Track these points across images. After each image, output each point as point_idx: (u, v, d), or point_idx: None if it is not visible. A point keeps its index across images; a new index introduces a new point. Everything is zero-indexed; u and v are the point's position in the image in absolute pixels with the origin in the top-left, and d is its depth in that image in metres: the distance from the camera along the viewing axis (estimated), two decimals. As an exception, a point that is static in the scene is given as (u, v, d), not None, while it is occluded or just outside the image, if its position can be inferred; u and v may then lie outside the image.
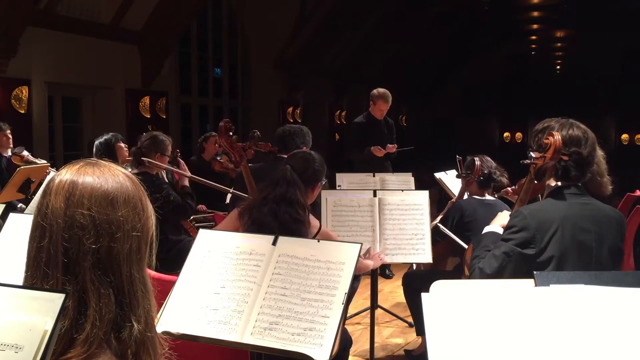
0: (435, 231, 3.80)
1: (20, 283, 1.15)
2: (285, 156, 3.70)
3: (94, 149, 4.90)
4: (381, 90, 5.96)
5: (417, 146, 6.20)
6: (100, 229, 1.13)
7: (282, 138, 3.84)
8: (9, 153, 5.50)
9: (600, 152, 2.38)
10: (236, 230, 2.57)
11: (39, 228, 1.14)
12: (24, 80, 6.88)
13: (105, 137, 4.91)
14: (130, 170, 3.61)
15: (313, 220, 2.71)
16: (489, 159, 4.01)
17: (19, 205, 4.87)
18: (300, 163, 2.80)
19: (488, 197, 3.98)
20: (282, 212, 2.57)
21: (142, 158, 3.97)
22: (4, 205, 2.80)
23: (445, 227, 3.85)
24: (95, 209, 1.13)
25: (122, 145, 4.95)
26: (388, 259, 3.44)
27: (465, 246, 3.38)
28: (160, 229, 1.28)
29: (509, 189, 4.11)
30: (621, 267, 2.36)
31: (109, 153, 4.74)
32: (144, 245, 1.20)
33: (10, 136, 5.56)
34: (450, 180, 4.98)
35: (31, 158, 5.32)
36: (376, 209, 3.44)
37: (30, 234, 1.16)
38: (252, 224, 2.57)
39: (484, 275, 2.21)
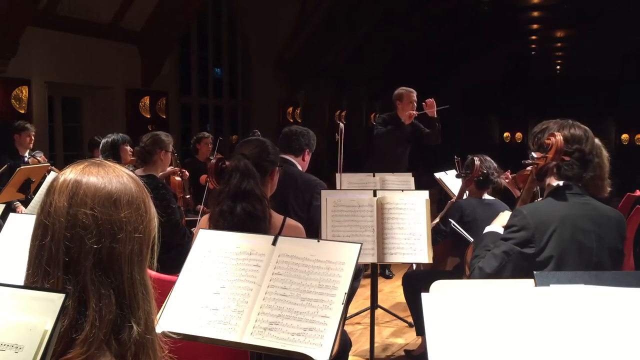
0: (435, 231, 3.80)
1: (21, 283, 1.15)
2: (287, 156, 3.70)
3: (100, 147, 4.95)
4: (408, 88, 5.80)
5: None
6: (102, 229, 1.13)
7: (287, 138, 3.80)
8: (27, 154, 5.64)
9: (605, 154, 2.38)
10: None
11: (42, 226, 1.14)
12: (24, 80, 6.89)
13: (114, 137, 4.94)
14: (132, 169, 3.60)
15: (276, 215, 2.49)
16: (489, 158, 4.01)
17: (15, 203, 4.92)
18: (254, 150, 2.55)
19: (487, 196, 3.98)
20: (239, 209, 2.36)
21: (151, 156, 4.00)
22: (4, 205, 2.79)
23: (445, 227, 3.85)
24: (98, 209, 1.13)
25: (127, 148, 4.98)
26: (388, 259, 3.44)
27: (472, 240, 3.37)
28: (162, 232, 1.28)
29: (508, 174, 4.11)
30: (621, 268, 2.36)
31: (114, 153, 4.77)
32: (145, 247, 1.20)
33: (33, 138, 5.69)
34: (450, 180, 4.98)
35: (46, 162, 5.48)
36: (376, 209, 3.43)
37: (33, 232, 1.16)
38: (214, 229, 2.35)
39: (484, 274, 2.21)
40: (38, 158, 5.60)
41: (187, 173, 5.72)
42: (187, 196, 5.68)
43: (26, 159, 5.62)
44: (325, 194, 3.44)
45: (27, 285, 1.13)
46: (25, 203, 4.80)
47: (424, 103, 5.76)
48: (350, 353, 3.16)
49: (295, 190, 3.53)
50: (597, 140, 2.53)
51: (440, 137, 5.92)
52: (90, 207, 1.13)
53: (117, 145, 4.90)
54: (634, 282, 1.45)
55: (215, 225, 2.43)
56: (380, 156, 5.87)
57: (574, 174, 2.25)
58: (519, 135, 18.28)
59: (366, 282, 5.18)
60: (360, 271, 4.29)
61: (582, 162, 2.25)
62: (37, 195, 4.34)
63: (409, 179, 4.97)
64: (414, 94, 5.77)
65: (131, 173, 1.23)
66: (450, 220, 3.69)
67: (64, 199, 1.14)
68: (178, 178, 5.29)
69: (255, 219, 2.39)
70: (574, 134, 2.25)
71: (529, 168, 2.46)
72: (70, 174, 1.17)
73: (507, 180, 4.06)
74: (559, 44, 18.03)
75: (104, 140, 4.96)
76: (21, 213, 3.90)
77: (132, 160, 4.65)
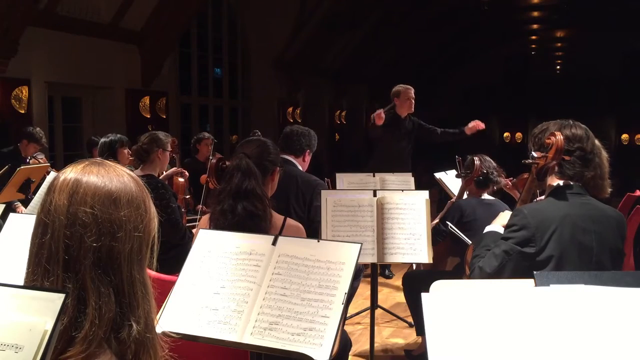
0: (435, 231, 3.80)
1: (20, 283, 1.15)
2: (287, 157, 3.70)
3: (99, 147, 4.94)
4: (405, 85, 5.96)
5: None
6: (102, 227, 1.13)
7: (287, 137, 3.79)
8: (29, 156, 5.70)
9: (604, 154, 2.39)
10: None
11: (42, 224, 1.15)
12: (24, 80, 6.89)
13: (112, 137, 4.94)
14: (132, 170, 3.59)
15: (276, 215, 2.50)
16: (488, 158, 4.01)
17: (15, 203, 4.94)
18: (255, 149, 2.57)
19: (487, 196, 3.98)
20: (240, 208, 2.37)
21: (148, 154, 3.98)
22: (4, 205, 2.79)
23: (445, 227, 3.85)
24: (98, 207, 1.14)
25: (125, 151, 4.96)
26: (388, 259, 3.44)
27: (470, 242, 3.37)
28: (162, 231, 1.28)
29: (508, 180, 4.12)
30: (621, 268, 2.36)
31: (112, 154, 4.77)
32: (145, 246, 1.20)
33: (37, 150, 5.77)
34: (450, 180, 4.99)
35: (46, 163, 5.54)
36: (376, 209, 3.43)
37: (33, 230, 1.17)
38: (215, 228, 2.36)
39: (484, 274, 2.21)
40: (39, 159, 5.63)
41: (186, 173, 5.73)
42: (187, 196, 5.68)
43: (27, 159, 5.65)
44: (325, 194, 3.44)
45: (27, 285, 1.14)
46: (25, 203, 4.80)
47: (474, 122, 5.89)
48: (350, 353, 3.16)
49: (296, 190, 3.53)
50: (596, 141, 2.53)
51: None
52: (90, 205, 1.14)
53: (115, 146, 4.89)
54: (634, 282, 1.45)
55: (215, 224, 2.43)
56: (380, 154, 5.94)
57: (576, 172, 2.26)
58: (519, 135, 18.27)
59: (366, 282, 5.18)
60: (360, 271, 4.29)
61: (583, 160, 2.25)
62: (37, 195, 4.34)
63: (409, 179, 4.97)
64: (412, 91, 5.92)
65: (132, 173, 1.24)
66: (447, 222, 3.70)
67: (64, 197, 1.14)
68: (182, 179, 5.28)
69: (256, 218, 2.40)
70: (575, 133, 2.26)
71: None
72: (71, 173, 1.18)
73: (508, 186, 4.07)
74: (559, 44, 18.01)
75: (102, 141, 4.96)
76: (21, 213, 3.90)
77: (131, 161, 4.65)
